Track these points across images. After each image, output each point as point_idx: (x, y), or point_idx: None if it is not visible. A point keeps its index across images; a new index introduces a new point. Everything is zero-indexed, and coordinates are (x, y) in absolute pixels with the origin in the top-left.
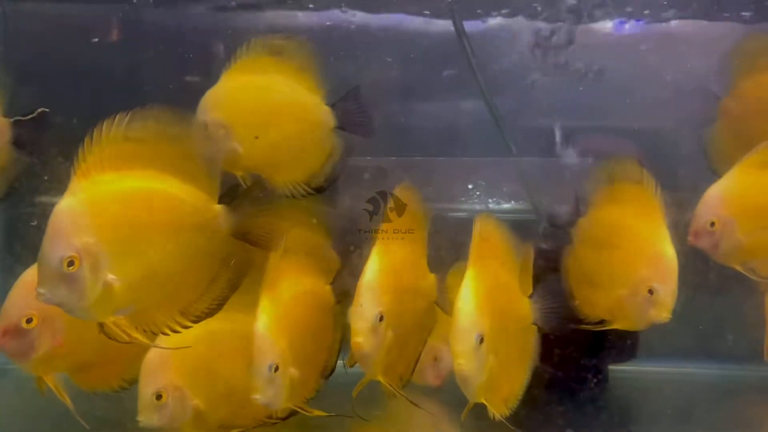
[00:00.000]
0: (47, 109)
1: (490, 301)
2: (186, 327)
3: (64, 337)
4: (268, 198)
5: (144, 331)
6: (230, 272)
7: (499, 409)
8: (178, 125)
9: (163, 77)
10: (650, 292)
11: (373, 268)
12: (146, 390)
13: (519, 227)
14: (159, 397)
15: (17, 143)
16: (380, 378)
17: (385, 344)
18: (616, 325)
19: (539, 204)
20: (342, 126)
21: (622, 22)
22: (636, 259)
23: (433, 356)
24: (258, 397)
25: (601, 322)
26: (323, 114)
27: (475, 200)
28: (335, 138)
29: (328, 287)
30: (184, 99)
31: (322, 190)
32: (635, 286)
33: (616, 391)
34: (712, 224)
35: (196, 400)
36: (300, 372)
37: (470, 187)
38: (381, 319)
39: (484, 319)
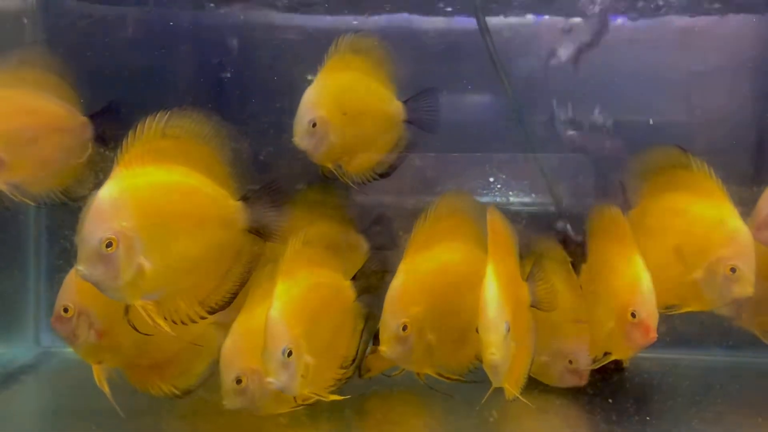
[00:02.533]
0: (116, 100)
1: (508, 290)
2: (203, 317)
3: (103, 331)
4: (285, 195)
5: (166, 318)
6: (242, 266)
7: (513, 390)
8: (209, 125)
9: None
10: (732, 270)
11: (397, 282)
12: (227, 376)
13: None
14: (239, 381)
15: (99, 139)
16: (428, 371)
17: (421, 347)
18: (691, 308)
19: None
20: (411, 120)
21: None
22: (713, 240)
23: (568, 359)
24: (272, 380)
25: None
26: (396, 108)
27: (497, 193)
28: (403, 131)
29: (348, 282)
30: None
31: (387, 176)
32: (714, 267)
33: (632, 378)
34: None
35: None
36: (315, 360)
37: (491, 180)
38: (404, 328)
39: (508, 308)
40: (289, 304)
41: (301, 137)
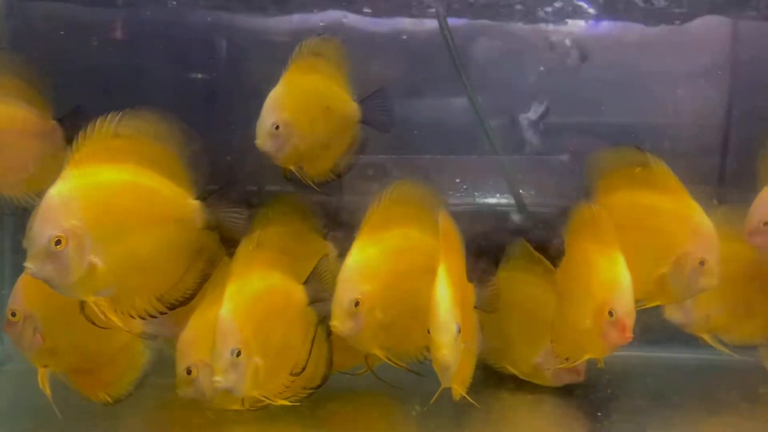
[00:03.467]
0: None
1: (457, 291)
2: (162, 313)
3: (46, 335)
4: (242, 195)
5: (122, 314)
6: (202, 264)
7: (460, 390)
8: (164, 125)
9: (158, 75)
10: (701, 263)
11: (352, 259)
12: (179, 366)
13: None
14: (189, 372)
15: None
16: (376, 352)
17: (370, 326)
18: (657, 302)
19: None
20: (366, 121)
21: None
22: (680, 234)
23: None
24: (219, 379)
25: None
26: (352, 109)
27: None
28: (358, 131)
29: (300, 286)
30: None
31: (341, 176)
32: (682, 261)
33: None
34: (765, 224)
35: None
36: (265, 363)
37: (457, 181)
38: (357, 304)
39: (458, 309)
40: (240, 304)
41: (263, 140)
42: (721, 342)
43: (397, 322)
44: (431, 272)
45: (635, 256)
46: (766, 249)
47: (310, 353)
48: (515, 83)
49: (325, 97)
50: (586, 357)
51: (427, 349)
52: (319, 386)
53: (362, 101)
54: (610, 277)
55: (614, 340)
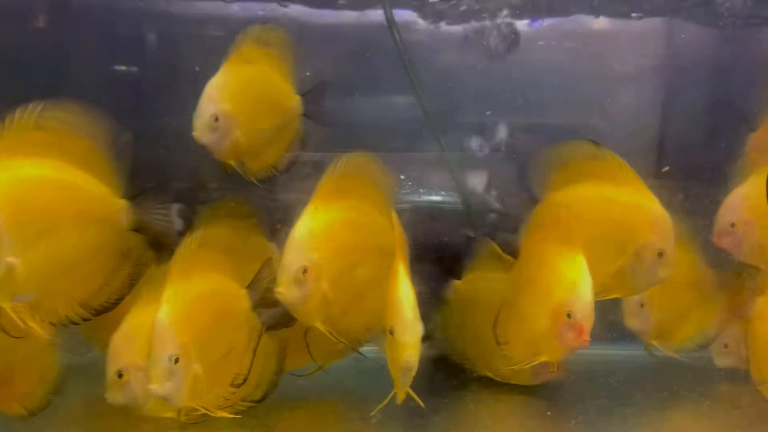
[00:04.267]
0: None
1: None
2: (86, 319)
3: None
4: (178, 193)
5: (42, 320)
6: (129, 268)
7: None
8: (89, 117)
9: (84, 65)
10: (660, 254)
11: (302, 225)
12: (110, 368)
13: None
14: (120, 375)
15: None
16: (319, 326)
17: (316, 296)
18: (615, 295)
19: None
20: (308, 114)
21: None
22: (638, 225)
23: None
24: (155, 387)
25: None
26: (295, 102)
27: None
28: (300, 125)
29: (243, 290)
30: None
31: (285, 172)
32: (640, 252)
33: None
34: (733, 225)
35: None
36: (205, 371)
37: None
38: (304, 272)
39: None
40: (179, 308)
41: (202, 132)
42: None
43: (342, 297)
44: (380, 251)
45: (593, 249)
46: (733, 250)
47: (252, 362)
48: (452, 81)
49: (268, 88)
50: (540, 360)
51: (368, 330)
52: (262, 399)
53: (305, 94)
54: (569, 278)
55: (571, 342)
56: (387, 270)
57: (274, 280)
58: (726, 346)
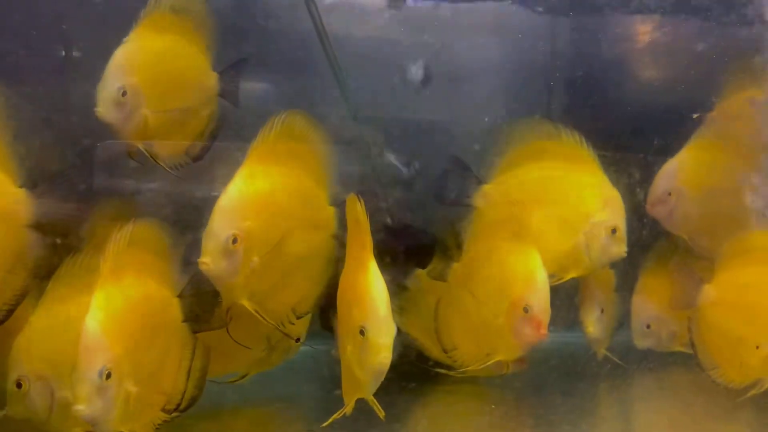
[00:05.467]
0: None
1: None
2: None
3: None
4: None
5: None
6: (29, 267)
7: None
8: None
9: None
10: (613, 231)
11: (233, 190)
12: (9, 376)
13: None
14: (19, 385)
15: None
16: (246, 303)
17: (245, 269)
18: (572, 274)
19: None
20: (225, 95)
21: None
22: (592, 204)
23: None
24: (81, 408)
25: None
26: (212, 80)
27: None
28: (215, 106)
29: (175, 299)
30: None
31: (199, 159)
32: (594, 230)
33: None
34: (669, 194)
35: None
36: (138, 391)
37: None
38: (234, 241)
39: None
40: (111, 315)
41: (106, 108)
42: None
43: (273, 273)
44: (313, 224)
45: (548, 228)
46: (666, 220)
47: (186, 385)
48: None
49: (182, 62)
50: (497, 359)
51: (295, 310)
52: (185, 409)
53: (222, 72)
54: (524, 273)
55: (528, 337)
56: (318, 246)
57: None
58: (648, 326)
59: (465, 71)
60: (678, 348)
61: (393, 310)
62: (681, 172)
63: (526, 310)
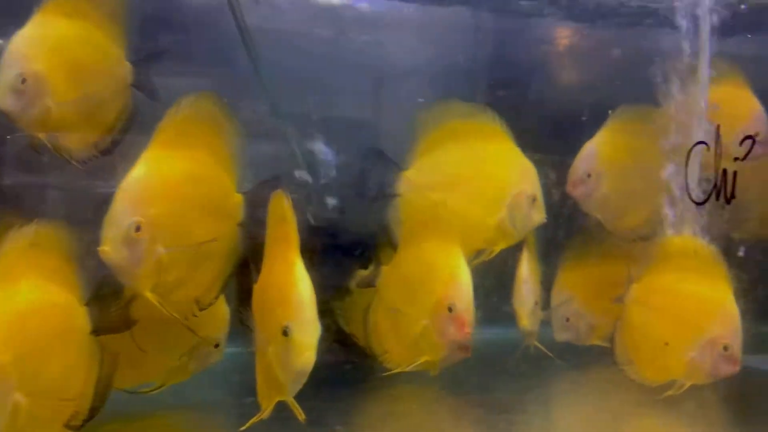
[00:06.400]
0: None
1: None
2: None
3: None
4: None
5: None
6: None
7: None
8: None
9: None
10: (533, 200)
11: (137, 174)
12: None
13: None
14: None
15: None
16: (149, 295)
17: (149, 259)
18: (499, 247)
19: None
20: (138, 86)
21: None
22: (512, 177)
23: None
24: None
25: None
26: (124, 69)
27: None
28: (128, 97)
29: (83, 308)
30: None
31: (108, 153)
32: (516, 201)
33: None
34: (588, 175)
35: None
36: (31, 404)
37: None
38: (138, 229)
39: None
40: (2, 320)
41: (3, 96)
42: None
43: (178, 263)
44: (221, 213)
45: (472, 205)
46: (585, 201)
47: (93, 400)
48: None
49: (91, 49)
50: (422, 359)
51: (199, 302)
52: (90, 417)
53: (137, 62)
54: (448, 272)
55: (453, 336)
56: (224, 235)
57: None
58: (567, 319)
59: (389, 69)
60: (595, 341)
61: (337, 314)
62: (599, 154)
63: (450, 310)
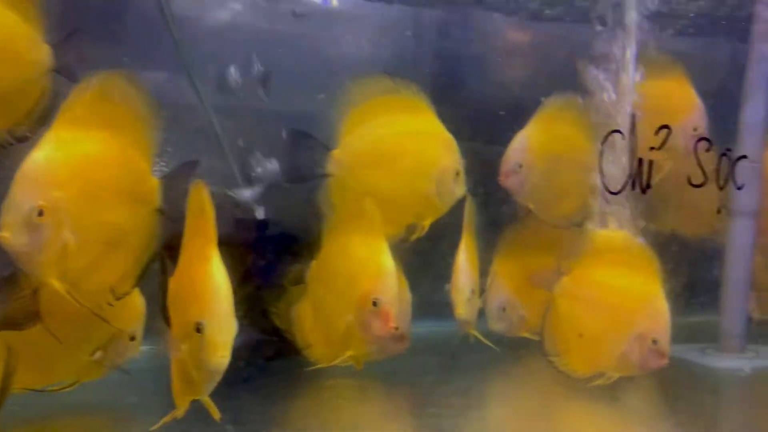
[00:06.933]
0: None
1: None
2: None
3: None
4: None
5: None
6: None
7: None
8: None
9: None
10: (457, 174)
11: (39, 155)
12: None
13: None
14: None
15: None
16: (55, 283)
17: (53, 245)
18: (429, 220)
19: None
20: (60, 70)
21: None
22: (439, 152)
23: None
24: None
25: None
26: (42, 52)
27: None
28: (48, 81)
29: None
30: None
31: (25, 140)
32: (443, 176)
33: None
34: (520, 166)
35: None
36: None
37: None
38: (40, 214)
39: None
40: None
41: None
42: None
43: (88, 250)
44: (133, 197)
45: (401, 180)
46: (517, 191)
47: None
48: None
49: (3, 30)
50: (348, 354)
51: (114, 291)
52: None
53: (56, 44)
54: (373, 266)
55: (378, 331)
56: (140, 221)
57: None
58: (504, 309)
59: (323, 62)
60: (524, 334)
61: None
62: (530, 144)
63: (375, 304)
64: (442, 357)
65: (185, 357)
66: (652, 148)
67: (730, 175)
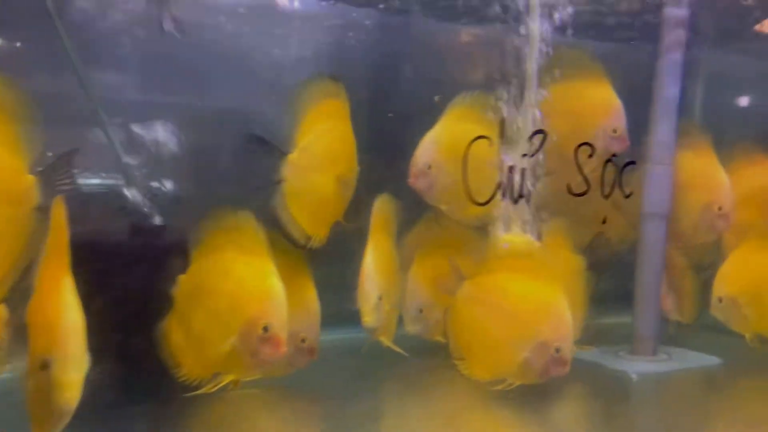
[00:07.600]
0: None
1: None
2: None
3: None
4: None
5: None
6: None
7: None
8: None
9: None
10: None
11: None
12: None
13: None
14: None
15: None
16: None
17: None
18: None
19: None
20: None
21: None
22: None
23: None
24: None
25: None
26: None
27: None
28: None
29: None
30: None
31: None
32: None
33: None
34: (430, 167)
35: None
36: None
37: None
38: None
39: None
40: None
41: None
42: None
43: None
44: (7, 197)
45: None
46: (427, 192)
47: None
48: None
49: None
50: (229, 379)
51: None
52: None
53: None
54: (262, 289)
55: (268, 356)
56: (15, 222)
57: None
58: (421, 311)
59: (259, 59)
60: (438, 338)
61: None
62: (438, 145)
63: (265, 330)
64: (351, 366)
65: (32, 395)
66: (524, 155)
67: (617, 182)
